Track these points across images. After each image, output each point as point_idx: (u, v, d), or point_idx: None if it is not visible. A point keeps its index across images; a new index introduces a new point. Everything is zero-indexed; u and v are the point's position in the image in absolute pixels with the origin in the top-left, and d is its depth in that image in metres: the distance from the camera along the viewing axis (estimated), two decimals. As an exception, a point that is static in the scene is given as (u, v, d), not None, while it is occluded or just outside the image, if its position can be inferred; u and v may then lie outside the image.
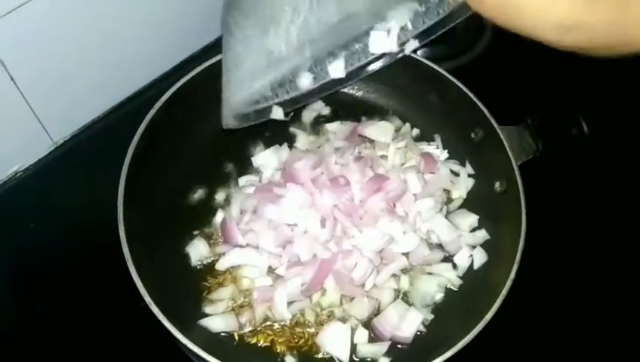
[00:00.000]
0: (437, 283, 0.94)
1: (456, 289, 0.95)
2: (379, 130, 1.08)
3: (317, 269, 0.90)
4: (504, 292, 0.81)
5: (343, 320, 0.91)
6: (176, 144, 1.02)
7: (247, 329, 0.90)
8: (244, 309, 0.91)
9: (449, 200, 1.04)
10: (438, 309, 0.93)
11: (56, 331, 0.94)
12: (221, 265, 0.94)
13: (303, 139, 1.09)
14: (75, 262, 0.98)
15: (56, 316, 0.95)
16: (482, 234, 0.98)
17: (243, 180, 1.03)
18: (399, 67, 1.05)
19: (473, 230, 0.99)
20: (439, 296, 0.94)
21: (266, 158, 1.04)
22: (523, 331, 0.95)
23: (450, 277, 0.95)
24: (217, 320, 0.89)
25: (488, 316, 0.79)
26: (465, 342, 0.77)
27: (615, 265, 1.03)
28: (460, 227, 0.99)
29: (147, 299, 0.77)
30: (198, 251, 0.96)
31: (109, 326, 0.93)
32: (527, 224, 0.87)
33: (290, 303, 0.90)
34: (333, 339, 0.88)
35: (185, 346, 0.77)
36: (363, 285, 0.92)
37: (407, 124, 1.11)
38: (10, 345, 0.93)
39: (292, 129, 1.10)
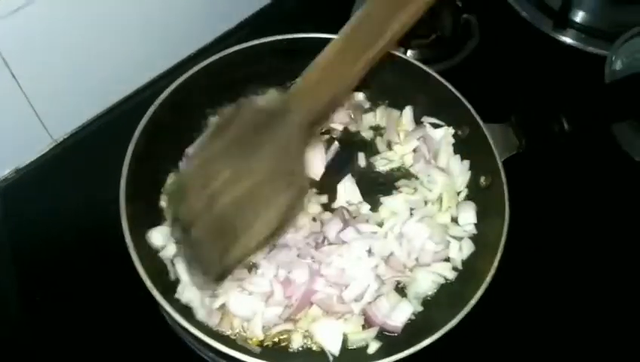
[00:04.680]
0: (432, 279, 0.96)
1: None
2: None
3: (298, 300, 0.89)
4: (488, 279, 0.84)
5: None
6: (177, 140, 1.05)
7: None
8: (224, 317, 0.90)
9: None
10: (427, 301, 0.96)
11: (55, 320, 0.96)
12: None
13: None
14: (75, 253, 1.01)
15: (55, 305, 0.97)
16: (470, 227, 1.01)
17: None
18: (390, 68, 1.10)
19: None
20: (432, 291, 0.96)
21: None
22: (506, 317, 0.99)
23: (447, 275, 0.97)
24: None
25: (472, 301, 0.82)
26: (450, 326, 0.81)
27: (593, 254, 1.08)
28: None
29: (148, 284, 0.80)
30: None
31: (110, 316, 0.96)
32: (510, 216, 0.91)
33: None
34: (324, 333, 0.89)
35: (188, 332, 0.79)
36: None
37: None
38: (10, 333, 0.96)
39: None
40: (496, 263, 0.86)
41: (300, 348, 0.90)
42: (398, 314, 0.91)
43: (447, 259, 0.98)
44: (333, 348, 0.88)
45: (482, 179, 1.03)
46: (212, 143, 0.77)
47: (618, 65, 1.22)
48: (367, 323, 0.92)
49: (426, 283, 0.95)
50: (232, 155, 0.73)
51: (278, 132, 0.72)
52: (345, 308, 0.91)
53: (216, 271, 0.76)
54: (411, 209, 1.02)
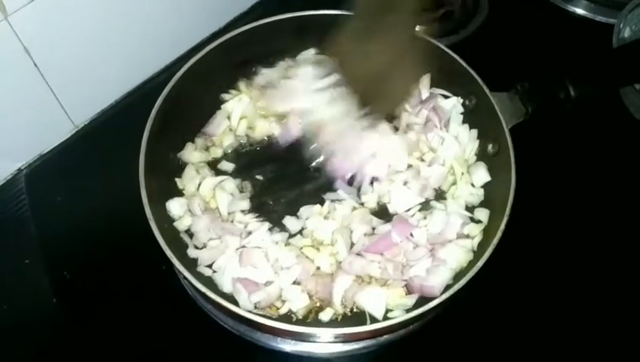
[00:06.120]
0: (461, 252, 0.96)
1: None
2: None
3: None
4: (495, 241, 0.86)
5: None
6: (191, 117, 1.08)
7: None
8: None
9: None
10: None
11: (82, 294, 1.01)
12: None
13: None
14: (99, 232, 1.05)
15: (81, 280, 1.02)
16: (480, 192, 1.03)
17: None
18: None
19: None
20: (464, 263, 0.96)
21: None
22: (514, 275, 1.01)
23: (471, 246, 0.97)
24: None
25: (480, 263, 0.85)
26: (459, 286, 0.83)
27: (603, 221, 1.09)
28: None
29: (168, 253, 0.83)
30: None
31: (133, 290, 1.00)
32: (516, 181, 0.93)
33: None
34: (369, 299, 0.92)
35: (207, 297, 0.83)
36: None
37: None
38: (40, 307, 1.00)
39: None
40: (503, 226, 0.88)
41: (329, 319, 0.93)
42: (435, 277, 0.92)
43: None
44: (377, 312, 0.91)
45: (490, 147, 1.04)
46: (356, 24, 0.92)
47: (626, 33, 1.22)
48: (408, 292, 0.94)
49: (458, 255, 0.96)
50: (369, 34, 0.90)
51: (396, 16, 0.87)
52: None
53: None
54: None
